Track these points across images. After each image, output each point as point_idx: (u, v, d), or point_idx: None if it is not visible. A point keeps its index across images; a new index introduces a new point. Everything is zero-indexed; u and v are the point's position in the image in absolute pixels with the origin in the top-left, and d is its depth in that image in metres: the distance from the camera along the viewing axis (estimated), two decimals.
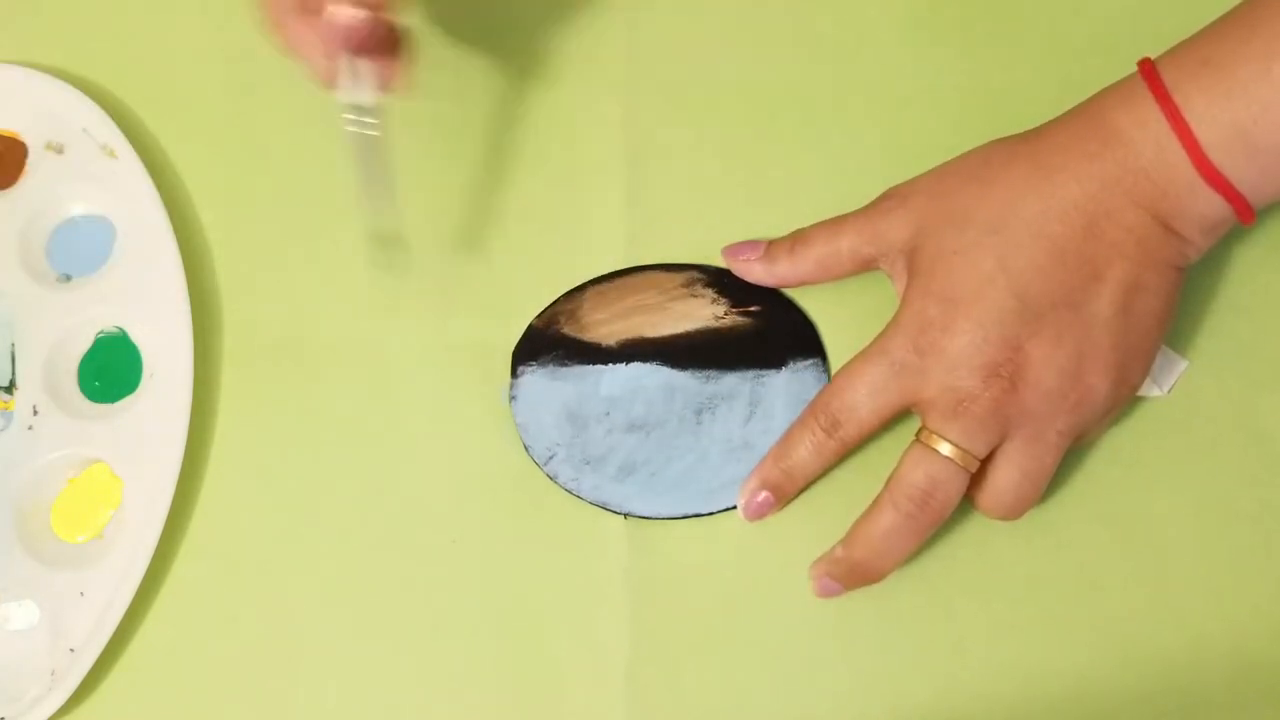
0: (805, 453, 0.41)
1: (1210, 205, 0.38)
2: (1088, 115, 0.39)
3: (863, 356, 0.40)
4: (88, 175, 0.47)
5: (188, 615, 0.43)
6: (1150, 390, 0.42)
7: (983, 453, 0.38)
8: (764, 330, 0.44)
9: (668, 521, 0.42)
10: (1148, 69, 0.38)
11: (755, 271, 0.44)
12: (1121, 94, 0.38)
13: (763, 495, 0.41)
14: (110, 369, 0.46)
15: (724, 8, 0.48)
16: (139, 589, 0.42)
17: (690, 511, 0.42)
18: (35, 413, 0.45)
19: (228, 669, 0.42)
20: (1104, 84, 0.39)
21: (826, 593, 0.41)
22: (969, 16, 0.47)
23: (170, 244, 0.45)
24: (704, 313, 0.44)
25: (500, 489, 0.43)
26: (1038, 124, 0.40)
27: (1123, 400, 0.40)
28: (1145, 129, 0.37)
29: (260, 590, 0.43)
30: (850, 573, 0.40)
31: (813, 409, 0.41)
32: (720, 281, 0.44)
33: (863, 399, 0.40)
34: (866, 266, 0.42)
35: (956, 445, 0.38)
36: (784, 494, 0.41)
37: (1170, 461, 0.41)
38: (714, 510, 0.42)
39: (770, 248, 0.43)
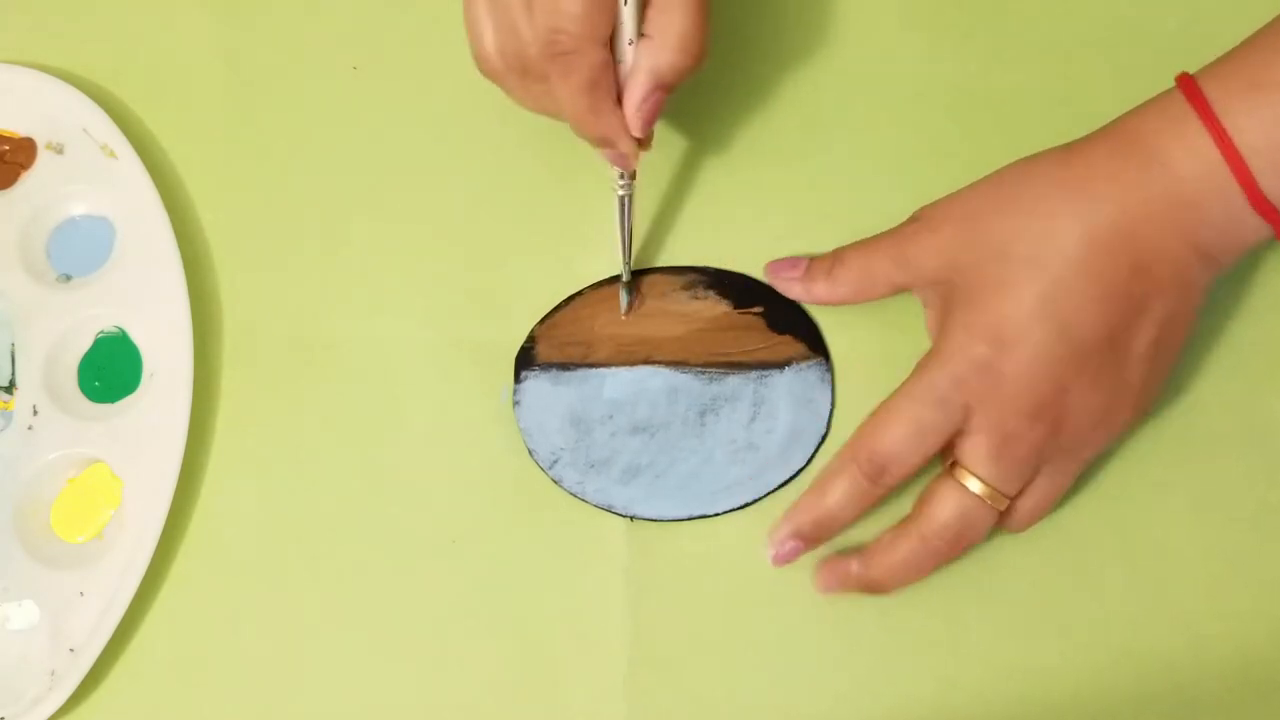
0: (843, 498, 0.38)
1: (1255, 232, 0.36)
2: (1128, 138, 0.37)
3: (906, 394, 0.38)
4: (88, 175, 0.47)
5: (188, 615, 0.43)
6: None
7: (1015, 493, 0.38)
8: (766, 330, 0.44)
9: (667, 522, 0.42)
10: (1191, 89, 0.36)
11: (795, 290, 0.43)
12: (1166, 117, 0.36)
13: (791, 544, 0.40)
14: (110, 369, 0.46)
15: (722, 10, 0.48)
16: (139, 589, 0.42)
17: (695, 513, 0.42)
18: (35, 413, 0.45)
19: (228, 669, 0.42)
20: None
21: (829, 590, 0.40)
22: (971, 17, 0.47)
23: (170, 244, 0.45)
24: (706, 314, 0.44)
25: (500, 489, 0.43)
26: (1037, 121, 0.40)
27: (1140, 421, 0.40)
28: (1195, 157, 0.36)
29: (260, 590, 0.43)
30: (862, 587, 0.40)
31: (853, 450, 0.38)
32: (721, 283, 0.44)
33: (911, 443, 0.37)
34: (900, 291, 0.41)
35: (991, 486, 0.37)
36: (816, 543, 0.40)
37: (1170, 461, 0.42)
38: (719, 511, 0.42)
39: (810, 268, 0.43)
